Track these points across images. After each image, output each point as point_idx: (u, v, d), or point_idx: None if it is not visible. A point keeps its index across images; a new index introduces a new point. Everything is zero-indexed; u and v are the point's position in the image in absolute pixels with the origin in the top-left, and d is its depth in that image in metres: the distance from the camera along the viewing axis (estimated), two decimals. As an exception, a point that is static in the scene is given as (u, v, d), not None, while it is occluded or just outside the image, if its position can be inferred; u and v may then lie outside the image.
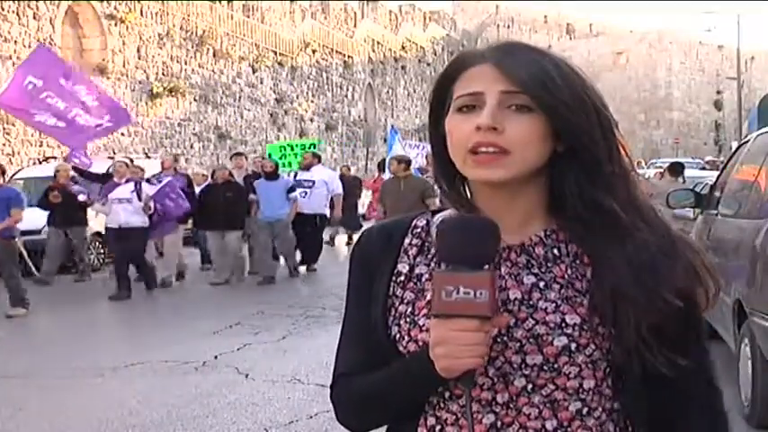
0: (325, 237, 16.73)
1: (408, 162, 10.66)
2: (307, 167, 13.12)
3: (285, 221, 11.84)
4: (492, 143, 1.17)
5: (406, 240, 1.32)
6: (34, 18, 20.51)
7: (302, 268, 12.85)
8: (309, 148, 15.14)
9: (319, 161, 13.88)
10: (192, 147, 26.33)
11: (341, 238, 17.57)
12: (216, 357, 7.04)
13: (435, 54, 45.92)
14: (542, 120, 1.18)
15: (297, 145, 15.99)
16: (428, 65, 44.85)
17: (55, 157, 17.38)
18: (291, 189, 11.99)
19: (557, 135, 1.20)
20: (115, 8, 23.25)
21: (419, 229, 1.33)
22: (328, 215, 13.36)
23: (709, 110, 60.23)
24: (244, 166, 13.75)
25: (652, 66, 57.15)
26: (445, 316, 1.11)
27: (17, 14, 19.98)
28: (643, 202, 1.24)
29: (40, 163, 17.33)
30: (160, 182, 11.45)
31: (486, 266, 1.13)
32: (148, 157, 17.93)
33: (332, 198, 13.28)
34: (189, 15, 26.62)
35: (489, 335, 1.13)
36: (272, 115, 31.25)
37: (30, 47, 20.18)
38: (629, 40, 59.41)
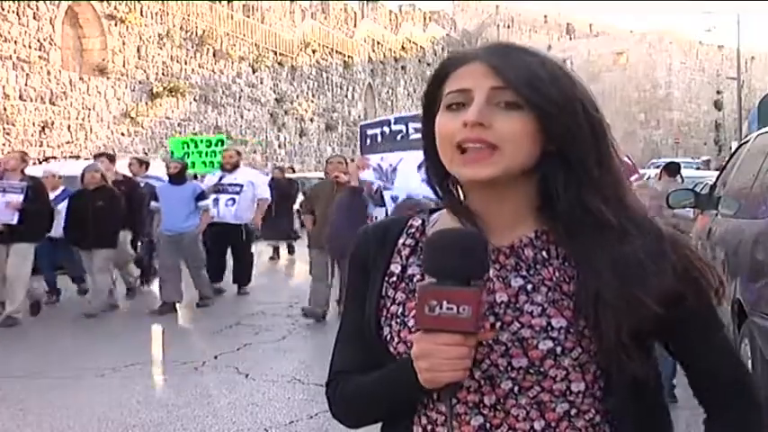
0: (269, 250, 15.11)
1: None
2: (232, 168, 10.57)
3: (192, 235, 9.62)
4: (479, 139, 1.17)
5: (401, 240, 1.32)
6: (34, 18, 20.51)
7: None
8: (216, 144, 12.62)
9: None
10: (192, 147, 26.35)
11: (280, 252, 15.33)
12: (216, 357, 7.04)
13: (435, 54, 45.95)
14: (531, 118, 1.18)
15: (202, 140, 13.24)
16: (428, 65, 44.88)
17: (55, 157, 17.41)
18: (201, 196, 9.72)
19: (548, 135, 1.20)
20: (115, 8, 23.26)
21: (414, 229, 1.33)
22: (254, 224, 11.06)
23: (709, 110, 60.24)
24: (112, 169, 10.60)
25: (652, 66, 57.13)
26: (429, 330, 1.12)
27: (17, 14, 19.98)
28: (632, 203, 1.24)
29: (41, 163, 17.33)
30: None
31: (474, 281, 1.12)
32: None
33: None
34: (189, 15, 26.63)
35: (473, 349, 1.13)
36: (272, 115, 31.26)
37: (30, 47, 20.22)
38: (629, 40, 59.40)
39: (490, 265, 1.20)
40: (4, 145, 19.37)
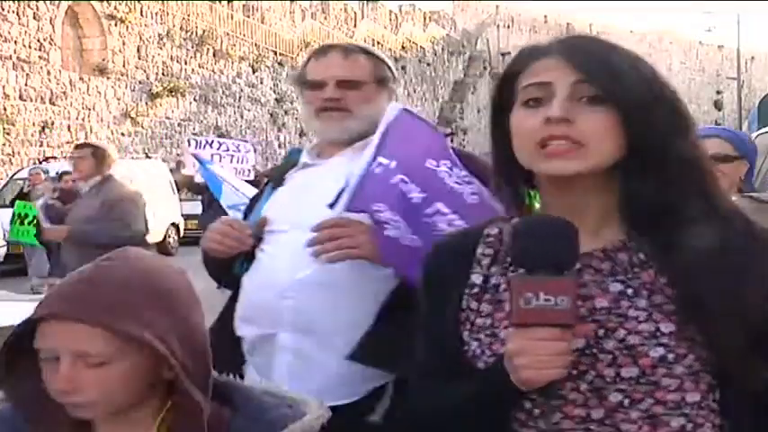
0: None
1: None
2: None
3: None
4: (564, 135, 1.11)
5: (479, 250, 1.24)
6: (34, 18, 20.51)
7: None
8: None
9: None
10: (192, 147, 26.34)
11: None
12: (216, 357, 7.05)
13: (435, 54, 45.93)
14: (614, 112, 1.11)
15: None
16: (428, 65, 44.86)
17: (55, 157, 17.40)
18: None
19: (630, 130, 1.12)
20: (115, 8, 23.25)
21: (492, 238, 1.25)
22: None
23: (709, 110, 60.28)
24: None
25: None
26: (524, 325, 1.05)
27: (17, 14, 19.98)
28: (721, 199, 1.17)
29: (41, 163, 17.35)
30: None
31: (566, 271, 1.06)
32: (148, 157, 18.00)
33: None
34: (189, 15, 26.63)
35: (570, 343, 1.07)
36: (272, 115, 31.26)
37: (30, 47, 20.23)
38: (629, 40, 59.42)
39: (579, 256, 1.11)
40: (4, 145, 19.38)
